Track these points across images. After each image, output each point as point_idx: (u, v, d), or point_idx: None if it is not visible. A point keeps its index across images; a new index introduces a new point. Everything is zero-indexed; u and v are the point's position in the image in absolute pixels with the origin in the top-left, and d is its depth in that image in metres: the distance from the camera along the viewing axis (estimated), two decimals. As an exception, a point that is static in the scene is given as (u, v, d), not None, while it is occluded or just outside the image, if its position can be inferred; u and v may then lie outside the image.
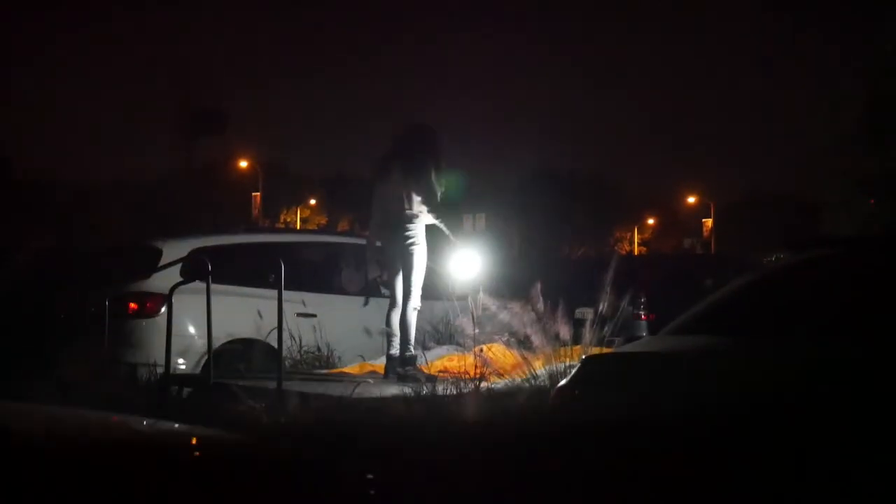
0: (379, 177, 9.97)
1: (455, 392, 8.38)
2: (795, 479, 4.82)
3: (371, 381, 9.15)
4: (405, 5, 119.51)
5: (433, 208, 9.67)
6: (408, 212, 9.66)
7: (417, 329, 9.80)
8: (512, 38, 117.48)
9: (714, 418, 5.09)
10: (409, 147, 9.80)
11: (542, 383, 8.31)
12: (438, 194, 9.70)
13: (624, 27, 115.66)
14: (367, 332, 10.25)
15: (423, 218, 9.71)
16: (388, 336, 9.65)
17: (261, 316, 10.00)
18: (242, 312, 10.32)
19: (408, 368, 9.43)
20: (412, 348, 9.60)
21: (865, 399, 5.00)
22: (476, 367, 8.78)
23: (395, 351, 9.58)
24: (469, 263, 10.00)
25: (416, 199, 9.65)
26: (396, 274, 9.72)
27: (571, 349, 8.68)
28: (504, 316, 9.26)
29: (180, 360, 9.98)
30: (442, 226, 9.78)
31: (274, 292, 9.19)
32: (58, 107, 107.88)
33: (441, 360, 10.01)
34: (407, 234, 9.64)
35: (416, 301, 9.62)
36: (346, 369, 10.26)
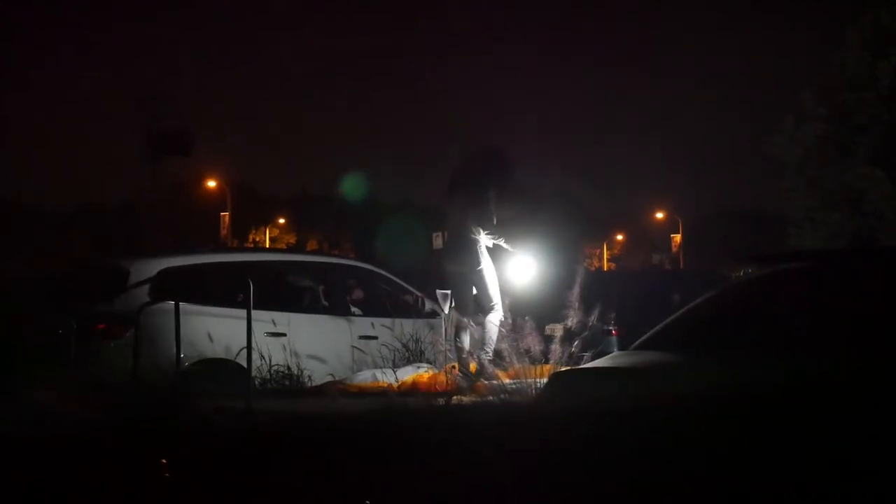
0: (448, 205, 10.73)
1: (426, 407, 8.38)
2: (762, 493, 4.86)
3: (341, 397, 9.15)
4: (369, 21, 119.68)
5: (489, 230, 10.39)
6: (472, 236, 10.38)
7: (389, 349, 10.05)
8: (475, 54, 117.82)
9: (682, 433, 5.12)
10: (469, 173, 10.54)
11: (512, 398, 8.32)
12: (494, 217, 10.39)
13: (592, 46, 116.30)
14: (338, 351, 10.23)
15: (483, 240, 10.41)
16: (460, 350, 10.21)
17: (230, 336, 9.97)
18: (211, 332, 10.28)
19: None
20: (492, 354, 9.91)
21: (833, 410, 5.04)
22: (447, 383, 8.79)
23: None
24: (525, 270, 10.60)
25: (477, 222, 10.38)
26: (467, 295, 10.36)
27: (541, 366, 8.70)
28: (475, 332, 9.30)
29: (149, 381, 9.91)
30: (502, 243, 10.49)
31: (243, 312, 9.16)
32: (20, 131, 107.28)
33: (411, 378, 10.02)
34: (472, 257, 10.33)
35: (498, 313, 10.08)
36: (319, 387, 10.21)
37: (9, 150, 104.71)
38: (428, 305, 11.52)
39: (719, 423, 5.02)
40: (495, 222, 10.43)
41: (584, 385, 5.97)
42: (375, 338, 10.94)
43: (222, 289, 10.78)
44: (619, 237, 78.27)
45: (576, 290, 8.81)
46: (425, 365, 10.45)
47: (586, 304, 8.96)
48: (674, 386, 5.42)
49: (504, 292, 10.29)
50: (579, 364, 8.42)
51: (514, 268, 10.58)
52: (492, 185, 10.42)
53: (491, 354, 9.79)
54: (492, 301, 10.27)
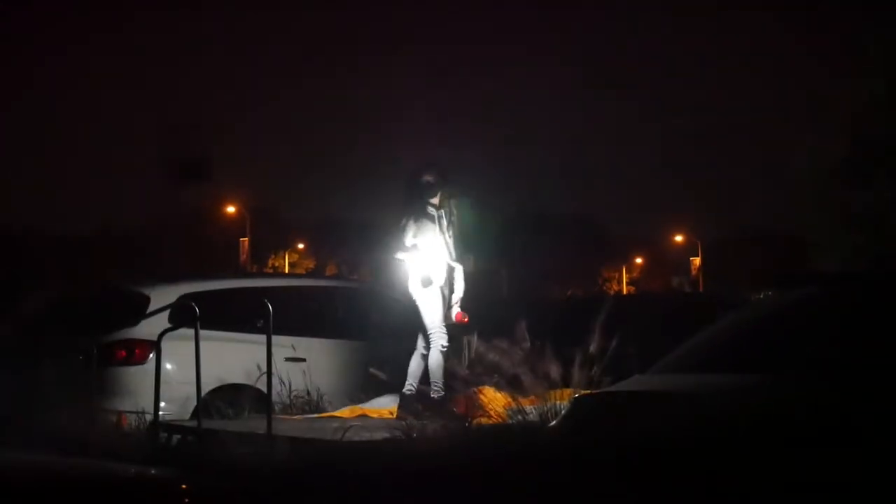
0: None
1: (446, 433, 8.36)
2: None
3: (359, 424, 9.13)
4: (393, 46, 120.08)
5: (401, 252, 9.74)
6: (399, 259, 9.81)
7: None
8: (496, 79, 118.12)
9: (704, 455, 5.09)
10: (404, 192, 9.97)
11: (533, 423, 8.30)
12: (405, 239, 9.70)
13: (608, 68, 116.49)
14: (357, 375, 10.22)
15: (407, 262, 9.77)
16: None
17: (250, 361, 9.97)
18: (231, 358, 10.29)
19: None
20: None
21: (852, 432, 5.01)
22: (467, 408, 8.77)
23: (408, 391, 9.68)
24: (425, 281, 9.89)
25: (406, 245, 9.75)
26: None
27: (562, 390, 8.68)
28: (493, 357, 9.26)
29: (169, 407, 9.92)
30: (417, 263, 9.71)
31: (263, 337, 9.17)
32: (44, 157, 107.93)
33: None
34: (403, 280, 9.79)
35: (439, 340, 9.65)
36: (338, 413, 10.21)
37: (31, 176, 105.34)
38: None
39: (760, 444, 5.00)
40: (409, 240, 9.70)
41: (611, 409, 5.93)
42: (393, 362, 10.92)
43: (242, 314, 10.79)
44: (639, 260, 78.07)
45: (598, 315, 8.77)
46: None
47: (606, 328, 8.93)
48: (707, 409, 5.38)
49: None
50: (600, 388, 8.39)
51: (413, 280, 9.85)
52: (413, 201, 9.84)
53: (441, 390, 9.59)
54: (429, 329, 9.67)
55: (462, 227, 9.85)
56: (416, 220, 9.75)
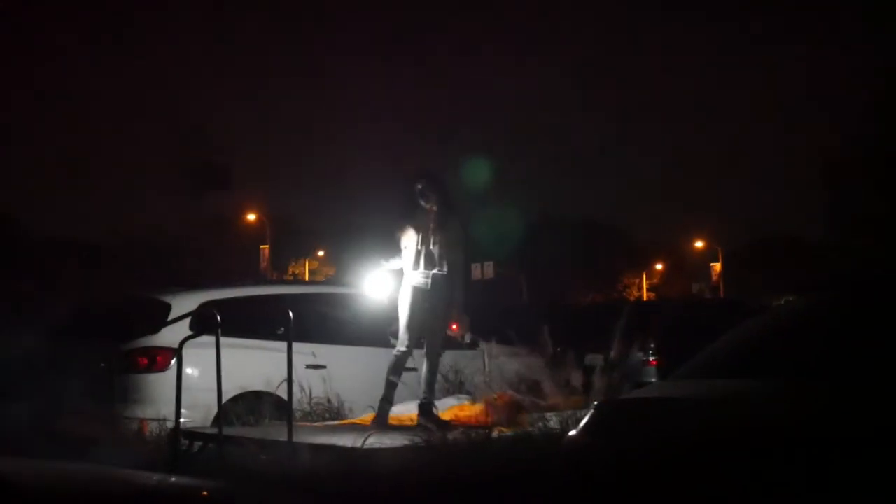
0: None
1: (466, 441, 8.36)
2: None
3: (380, 431, 9.13)
4: (411, 52, 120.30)
5: (391, 260, 9.94)
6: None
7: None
8: (514, 84, 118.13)
9: (727, 462, 5.07)
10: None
11: (554, 430, 8.29)
12: (401, 245, 9.84)
13: (628, 73, 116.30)
14: (377, 382, 10.21)
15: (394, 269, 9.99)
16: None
17: (271, 368, 9.99)
18: (252, 365, 10.31)
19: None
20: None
21: (875, 439, 4.98)
22: (487, 415, 8.76)
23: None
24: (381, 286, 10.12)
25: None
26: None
27: (582, 396, 8.67)
28: (513, 364, 9.25)
29: (190, 414, 9.94)
30: (393, 270, 9.93)
31: (283, 344, 9.18)
32: (65, 165, 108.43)
33: (451, 410, 9.99)
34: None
35: (401, 344, 9.79)
36: (359, 420, 10.22)
37: (53, 184, 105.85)
38: (467, 336, 11.50)
39: (781, 449, 4.98)
40: (400, 247, 9.85)
41: (633, 415, 5.91)
42: (415, 369, 10.92)
43: (262, 321, 10.82)
44: (659, 266, 77.90)
45: (618, 321, 8.76)
46: (465, 396, 10.42)
47: (627, 334, 8.91)
48: (736, 414, 5.35)
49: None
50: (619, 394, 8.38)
51: (371, 285, 10.10)
52: (404, 209, 9.96)
53: (432, 398, 9.67)
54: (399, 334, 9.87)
55: (454, 237, 9.81)
56: (406, 227, 9.80)
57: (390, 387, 9.74)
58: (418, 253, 9.71)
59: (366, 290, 10.21)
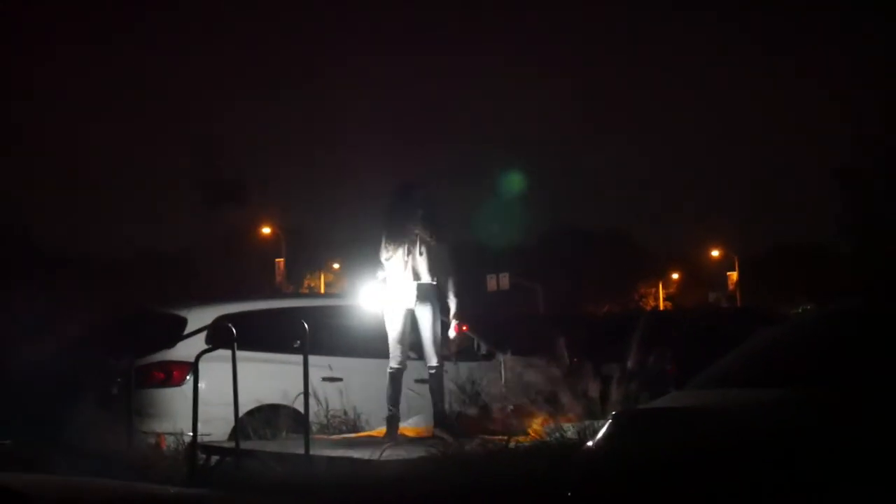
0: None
1: (483, 452, 8.34)
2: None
3: (396, 443, 9.12)
4: (419, 65, 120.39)
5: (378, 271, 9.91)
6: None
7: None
8: (530, 95, 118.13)
9: (744, 472, 5.05)
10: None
11: (571, 440, 8.26)
12: (382, 258, 9.82)
13: (644, 83, 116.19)
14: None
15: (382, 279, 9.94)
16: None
17: (287, 381, 9.98)
18: (268, 378, 10.31)
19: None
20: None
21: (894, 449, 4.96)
22: (504, 426, 8.75)
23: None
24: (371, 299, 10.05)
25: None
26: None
27: (600, 407, 8.65)
28: (530, 375, 9.23)
29: (207, 428, 9.94)
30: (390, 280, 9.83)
31: (299, 357, 9.18)
32: (79, 180, 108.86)
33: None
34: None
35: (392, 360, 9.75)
36: (375, 432, 10.20)
37: (68, 200, 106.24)
38: (483, 347, 11.50)
39: (799, 458, 4.96)
40: (384, 257, 9.81)
41: (651, 426, 5.89)
42: (426, 381, 10.89)
43: (278, 335, 10.82)
44: (675, 276, 77.69)
45: (635, 331, 8.74)
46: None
47: (644, 344, 8.89)
48: (754, 424, 5.33)
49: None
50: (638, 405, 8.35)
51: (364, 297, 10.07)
52: (391, 220, 9.93)
53: (443, 408, 9.65)
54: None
55: (438, 249, 9.81)
56: (393, 238, 9.79)
57: (392, 419, 9.67)
58: (405, 264, 9.72)
59: (361, 302, 10.19)
